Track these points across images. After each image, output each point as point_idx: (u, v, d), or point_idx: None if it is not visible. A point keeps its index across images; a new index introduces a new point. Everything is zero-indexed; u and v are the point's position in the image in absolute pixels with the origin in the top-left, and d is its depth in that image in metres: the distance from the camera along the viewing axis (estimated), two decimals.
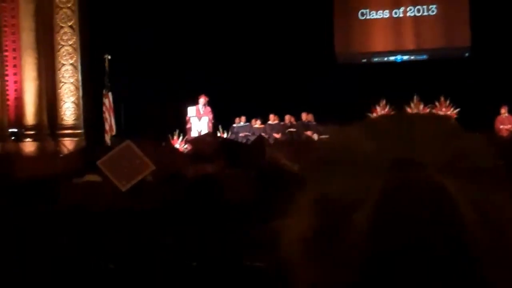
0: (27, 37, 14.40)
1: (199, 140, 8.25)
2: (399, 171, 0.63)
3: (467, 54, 17.16)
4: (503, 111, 14.77)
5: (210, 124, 15.29)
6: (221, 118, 15.32)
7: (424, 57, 17.78)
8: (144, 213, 4.54)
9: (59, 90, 14.95)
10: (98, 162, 5.13)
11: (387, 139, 0.67)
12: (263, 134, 14.47)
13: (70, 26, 15.04)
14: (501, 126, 14.20)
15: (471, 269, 0.62)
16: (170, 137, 15.14)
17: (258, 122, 16.06)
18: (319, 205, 0.66)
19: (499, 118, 14.61)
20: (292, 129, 15.75)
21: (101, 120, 15.07)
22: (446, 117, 0.71)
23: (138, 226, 4.30)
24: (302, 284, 0.68)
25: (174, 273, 3.57)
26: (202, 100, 15.28)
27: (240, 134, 15.39)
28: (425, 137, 0.66)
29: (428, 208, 0.62)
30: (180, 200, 4.57)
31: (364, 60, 18.03)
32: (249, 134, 15.45)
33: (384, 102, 15.44)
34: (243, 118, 15.99)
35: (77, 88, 15.07)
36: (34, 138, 14.15)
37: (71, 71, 15.01)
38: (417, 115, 0.72)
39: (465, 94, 15.11)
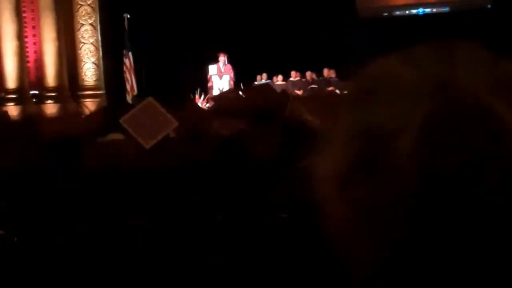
0: None
1: (222, 97, 8.23)
2: (443, 95, 0.60)
3: (489, 6, 16.91)
4: None
5: (232, 82, 15.28)
6: (242, 76, 15.26)
7: (446, 9, 17.55)
8: (170, 170, 4.55)
9: (79, 51, 14.93)
10: (121, 120, 5.14)
11: (428, 66, 0.64)
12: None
13: None
14: None
15: None
16: (192, 96, 15.13)
17: (280, 78, 16.00)
18: (357, 135, 0.63)
19: None
20: (314, 86, 15.66)
21: (122, 81, 15.09)
22: (482, 45, 0.67)
23: (164, 183, 4.31)
24: (336, 223, 0.64)
25: (200, 228, 3.58)
26: (222, 58, 15.27)
27: None
28: (467, 62, 0.63)
29: (477, 130, 0.58)
30: (208, 156, 4.57)
31: (386, 14, 17.81)
32: None
33: None
34: (264, 75, 15.94)
35: (97, 49, 15.04)
36: (56, 100, 14.19)
37: (90, 31, 14.96)
38: (456, 43, 0.67)
39: (488, 45, 14.90)
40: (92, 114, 8.92)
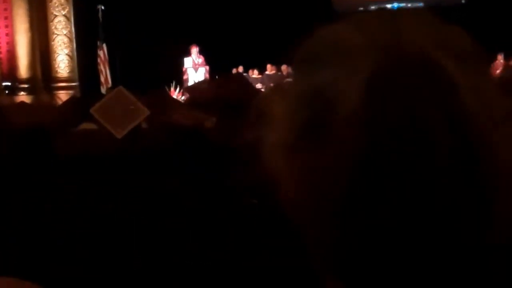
0: None
1: (194, 88, 8.21)
2: (390, 52, 0.59)
3: (463, 1, 17.08)
4: (499, 57, 14.88)
5: (207, 75, 15.23)
6: (218, 69, 15.24)
7: (421, 4, 17.68)
8: (141, 159, 4.54)
9: (52, 42, 14.77)
10: (91, 110, 5.09)
11: (374, 29, 0.63)
12: (260, 84, 14.42)
13: None
14: (497, 72, 14.21)
15: (472, 153, 0.58)
16: (167, 89, 15.06)
17: (256, 72, 15.99)
18: (303, 101, 0.62)
19: (495, 64, 14.64)
20: (289, 79, 15.68)
21: (96, 73, 14.96)
22: (426, 11, 0.67)
23: (135, 171, 4.30)
24: (288, 193, 0.63)
25: (172, 216, 3.57)
26: (194, 49, 15.22)
27: None
28: (413, 24, 0.63)
29: (424, 84, 0.57)
30: (176, 147, 4.56)
31: (361, 8, 17.88)
32: None
33: None
34: (240, 69, 15.91)
35: (70, 40, 14.90)
36: (28, 91, 14.05)
37: (64, 22, 14.81)
38: (400, 8, 0.66)
39: None
40: (65, 104, 8.85)
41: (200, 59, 15.32)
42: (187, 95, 10.12)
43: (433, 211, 0.57)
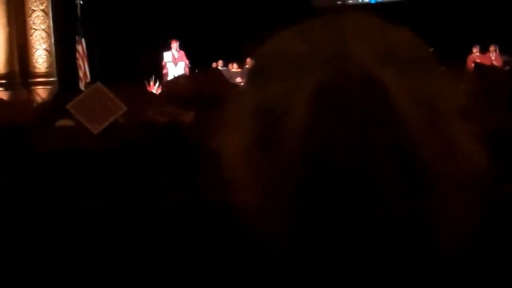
0: None
1: (172, 83, 8.22)
2: (333, 66, 0.62)
3: None
4: (475, 50, 14.96)
5: (187, 69, 15.21)
6: (198, 63, 15.22)
7: None
8: (117, 155, 4.56)
9: (30, 37, 14.62)
10: (68, 106, 5.10)
11: (318, 39, 0.65)
12: (240, 78, 14.43)
13: None
14: (473, 65, 14.30)
15: (410, 159, 0.60)
16: (146, 83, 15.02)
17: (235, 66, 15.97)
18: (255, 113, 0.64)
19: (470, 57, 14.70)
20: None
21: (74, 68, 14.88)
22: (373, 14, 0.68)
23: (111, 168, 4.32)
24: (245, 199, 0.66)
25: (149, 215, 3.60)
26: (174, 44, 15.20)
27: None
28: (357, 33, 0.65)
29: (363, 98, 0.60)
30: (152, 144, 4.58)
31: (339, 2, 17.93)
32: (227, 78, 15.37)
33: None
34: (220, 62, 15.86)
35: (49, 35, 14.77)
36: (6, 87, 13.90)
37: (42, 17, 14.68)
38: (346, 14, 0.68)
39: (438, 34, 15.09)
40: (43, 103, 8.82)
41: (181, 54, 15.30)
42: (164, 88, 10.10)
43: (374, 211, 0.60)
